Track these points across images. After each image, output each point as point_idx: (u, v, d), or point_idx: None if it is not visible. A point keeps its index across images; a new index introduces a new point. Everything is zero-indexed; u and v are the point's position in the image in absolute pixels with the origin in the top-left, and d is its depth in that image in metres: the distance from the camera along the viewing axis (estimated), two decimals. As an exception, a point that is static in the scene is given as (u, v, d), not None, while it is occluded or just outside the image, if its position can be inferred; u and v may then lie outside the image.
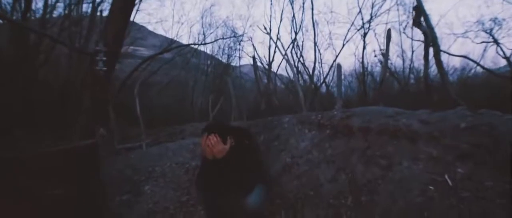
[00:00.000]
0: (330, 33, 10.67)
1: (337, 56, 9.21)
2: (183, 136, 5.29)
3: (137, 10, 9.35)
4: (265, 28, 9.79)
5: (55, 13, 7.15)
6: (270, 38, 9.99)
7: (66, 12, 6.94)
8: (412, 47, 8.63)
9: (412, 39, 8.19)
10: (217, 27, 12.00)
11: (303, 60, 9.65)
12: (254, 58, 5.51)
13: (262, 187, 1.92)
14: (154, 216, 2.47)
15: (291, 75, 10.71)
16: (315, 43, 9.11)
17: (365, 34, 8.49)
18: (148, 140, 4.36)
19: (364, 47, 8.45)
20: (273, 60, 10.10)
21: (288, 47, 9.48)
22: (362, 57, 8.30)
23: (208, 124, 2.03)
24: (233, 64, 13.33)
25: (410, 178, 2.10)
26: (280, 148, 3.18)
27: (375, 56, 6.96)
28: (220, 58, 12.77)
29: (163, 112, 10.20)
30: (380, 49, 7.05)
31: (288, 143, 3.19)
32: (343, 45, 8.97)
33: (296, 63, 9.97)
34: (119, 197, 2.79)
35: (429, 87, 5.65)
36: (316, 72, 9.29)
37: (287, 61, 7.47)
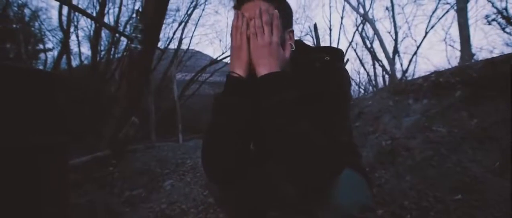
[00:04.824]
0: (406, 19, 8.74)
1: (419, 45, 7.30)
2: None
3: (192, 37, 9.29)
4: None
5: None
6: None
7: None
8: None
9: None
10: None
11: (374, 51, 7.97)
12: (315, 26, 4.42)
13: (356, 173, 0.70)
14: (162, 222, 1.54)
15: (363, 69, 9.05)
16: (394, 25, 7.34)
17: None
18: (186, 135, 3.64)
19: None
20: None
21: (357, 28, 7.93)
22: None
23: None
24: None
25: None
26: (365, 130, 1.97)
27: (493, 20, 4.86)
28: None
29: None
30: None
31: (378, 121, 1.97)
32: (426, 32, 7.09)
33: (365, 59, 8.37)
34: (129, 192, 1.98)
35: None
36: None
37: (368, 20, 5.92)
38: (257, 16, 0.66)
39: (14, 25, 6.35)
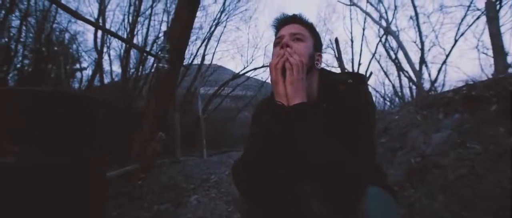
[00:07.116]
0: (433, 28, 8.26)
1: (449, 54, 6.86)
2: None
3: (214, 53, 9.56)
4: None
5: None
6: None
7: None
8: None
9: None
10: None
11: (399, 62, 7.62)
12: (336, 40, 4.37)
13: (384, 190, 0.70)
14: (189, 237, 1.58)
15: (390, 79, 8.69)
16: (420, 35, 6.96)
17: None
18: (210, 149, 3.72)
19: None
20: (360, 64, 8.53)
21: (380, 39, 7.67)
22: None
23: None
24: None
25: None
26: (392, 146, 1.91)
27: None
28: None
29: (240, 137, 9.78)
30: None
31: (406, 137, 1.91)
32: (456, 40, 6.69)
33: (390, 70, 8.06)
34: (157, 206, 2.05)
35: None
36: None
37: (391, 33, 5.76)
38: (289, 55, 0.74)
39: (55, 48, 6.96)
